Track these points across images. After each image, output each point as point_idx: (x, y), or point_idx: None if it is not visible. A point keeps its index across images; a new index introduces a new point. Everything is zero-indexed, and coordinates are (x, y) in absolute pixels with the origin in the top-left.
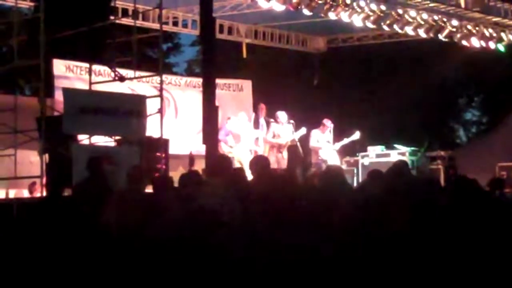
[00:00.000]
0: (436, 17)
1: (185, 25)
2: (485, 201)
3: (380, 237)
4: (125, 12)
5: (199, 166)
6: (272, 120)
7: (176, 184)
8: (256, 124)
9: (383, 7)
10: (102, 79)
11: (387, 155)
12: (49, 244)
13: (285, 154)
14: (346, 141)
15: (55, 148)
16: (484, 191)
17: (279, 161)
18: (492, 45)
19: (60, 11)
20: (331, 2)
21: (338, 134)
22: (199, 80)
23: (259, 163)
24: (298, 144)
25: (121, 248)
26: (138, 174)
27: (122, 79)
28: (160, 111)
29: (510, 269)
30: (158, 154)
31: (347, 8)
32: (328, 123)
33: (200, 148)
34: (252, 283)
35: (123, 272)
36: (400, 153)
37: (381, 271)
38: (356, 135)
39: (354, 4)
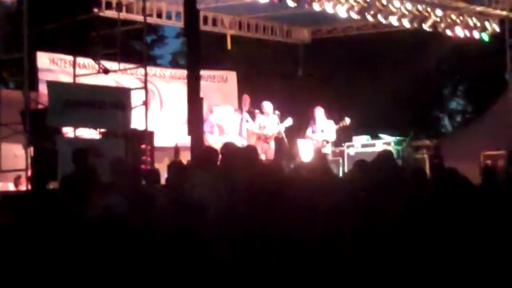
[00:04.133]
0: (420, 7)
1: (169, 17)
2: (471, 192)
3: (368, 227)
4: (108, 5)
5: (185, 157)
6: (257, 111)
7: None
8: (240, 116)
9: None
10: (87, 71)
11: (373, 145)
12: (34, 238)
13: (272, 144)
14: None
15: (40, 141)
16: (467, 181)
17: (266, 151)
18: (476, 34)
19: (43, 4)
20: None
21: None
22: (183, 72)
23: (248, 153)
24: (284, 135)
25: (106, 242)
26: (122, 166)
27: (106, 71)
28: (145, 103)
29: (499, 257)
30: (143, 146)
31: None
32: (317, 112)
33: (185, 140)
34: (239, 274)
35: (109, 265)
36: (385, 142)
37: (368, 260)
38: (346, 121)
39: None
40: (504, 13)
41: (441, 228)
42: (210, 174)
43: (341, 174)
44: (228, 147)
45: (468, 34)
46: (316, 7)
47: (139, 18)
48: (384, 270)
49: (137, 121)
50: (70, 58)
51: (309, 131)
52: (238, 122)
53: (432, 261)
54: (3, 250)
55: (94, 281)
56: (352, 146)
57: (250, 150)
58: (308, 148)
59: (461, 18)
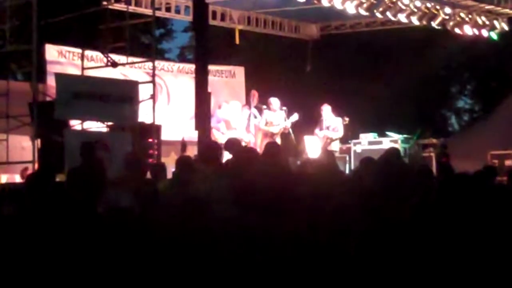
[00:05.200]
0: (429, 5)
1: (178, 11)
2: (478, 191)
3: (374, 225)
4: None
5: (191, 152)
6: (264, 107)
7: (171, 169)
8: (248, 112)
9: None
10: (95, 64)
11: (379, 142)
12: (39, 230)
13: (278, 141)
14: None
15: (48, 134)
16: (475, 180)
17: None
18: (485, 33)
19: None
20: None
21: None
22: (191, 66)
23: (270, 149)
24: (291, 130)
25: (113, 236)
26: (135, 160)
27: (114, 64)
28: (153, 97)
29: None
30: (150, 140)
31: None
32: (325, 111)
33: (192, 134)
34: (242, 272)
35: (115, 260)
36: (392, 140)
37: (376, 260)
38: (345, 120)
39: None
40: None
41: (449, 227)
42: (213, 169)
43: (347, 171)
44: (235, 144)
45: (477, 32)
46: (325, 3)
47: (148, 11)
48: (391, 268)
49: (144, 115)
50: (78, 50)
51: (317, 129)
52: (246, 117)
53: (442, 262)
54: (9, 241)
55: (99, 276)
56: (359, 143)
57: (271, 146)
58: (315, 145)
59: (470, 16)
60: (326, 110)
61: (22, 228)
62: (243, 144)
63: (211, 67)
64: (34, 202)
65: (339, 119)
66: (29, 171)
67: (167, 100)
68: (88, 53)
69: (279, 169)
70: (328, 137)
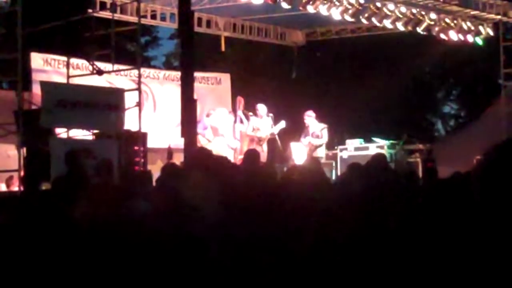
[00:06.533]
0: (414, 10)
1: (163, 18)
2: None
3: (361, 231)
4: (103, 5)
5: (178, 159)
6: (251, 113)
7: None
8: (234, 118)
9: (361, 0)
10: (80, 72)
11: (366, 148)
12: (25, 239)
13: (265, 147)
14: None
15: (33, 142)
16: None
17: (259, 154)
18: (470, 38)
19: (37, 4)
20: None
21: None
22: (177, 74)
23: (250, 157)
24: (277, 137)
25: (93, 244)
26: (107, 166)
27: (100, 72)
28: (139, 104)
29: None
30: (136, 147)
31: (325, 1)
32: (307, 118)
33: (178, 142)
34: (229, 278)
35: (100, 269)
36: (379, 146)
37: (363, 266)
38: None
39: None
40: (498, 17)
41: (436, 232)
42: (204, 175)
43: (334, 177)
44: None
45: (462, 38)
46: (311, 9)
47: (134, 19)
48: (379, 275)
49: (130, 122)
50: (63, 58)
51: (302, 136)
52: (231, 124)
53: (429, 267)
54: None
55: (83, 285)
56: (345, 149)
57: (251, 154)
58: (302, 152)
59: (455, 22)
60: (310, 116)
61: (7, 238)
62: (231, 149)
63: (197, 74)
64: (19, 211)
65: (323, 125)
66: (15, 180)
67: (153, 108)
68: (74, 61)
69: (259, 176)
70: (312, 143)
